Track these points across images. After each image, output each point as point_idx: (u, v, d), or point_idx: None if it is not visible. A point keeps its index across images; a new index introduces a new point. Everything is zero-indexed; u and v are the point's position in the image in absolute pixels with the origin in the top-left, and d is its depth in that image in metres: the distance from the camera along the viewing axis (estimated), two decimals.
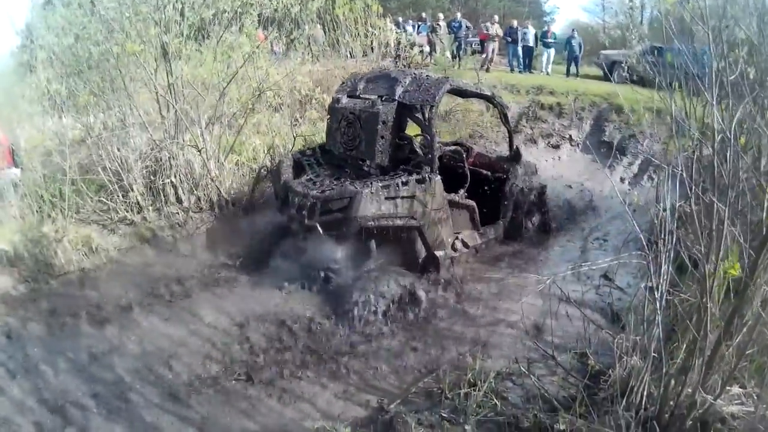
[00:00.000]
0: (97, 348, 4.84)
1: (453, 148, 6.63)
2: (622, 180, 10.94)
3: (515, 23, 17.97)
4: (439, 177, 5.76)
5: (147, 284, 5.89)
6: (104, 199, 6.97)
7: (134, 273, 6.17)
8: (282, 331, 5.10)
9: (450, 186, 6.11)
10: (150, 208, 7.14)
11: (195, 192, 7.40)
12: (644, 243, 3.53)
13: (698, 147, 4.89)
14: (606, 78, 16.75)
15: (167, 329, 5.15)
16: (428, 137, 5.79)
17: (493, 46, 17.39)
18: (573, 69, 17.75)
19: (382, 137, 5.75)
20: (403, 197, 5.44)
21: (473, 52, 17.17)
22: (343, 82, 6.88)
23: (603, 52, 18.17)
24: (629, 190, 10.32)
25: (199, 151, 7.17)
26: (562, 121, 12.94)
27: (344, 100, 6.36)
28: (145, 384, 4.39)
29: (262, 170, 7.71)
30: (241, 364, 4.63)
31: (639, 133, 11.79)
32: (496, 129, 12.63)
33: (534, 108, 13.23)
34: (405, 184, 5.46)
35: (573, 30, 18.65)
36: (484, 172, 7.07)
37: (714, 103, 3.11)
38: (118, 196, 6.99)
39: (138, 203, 7.07)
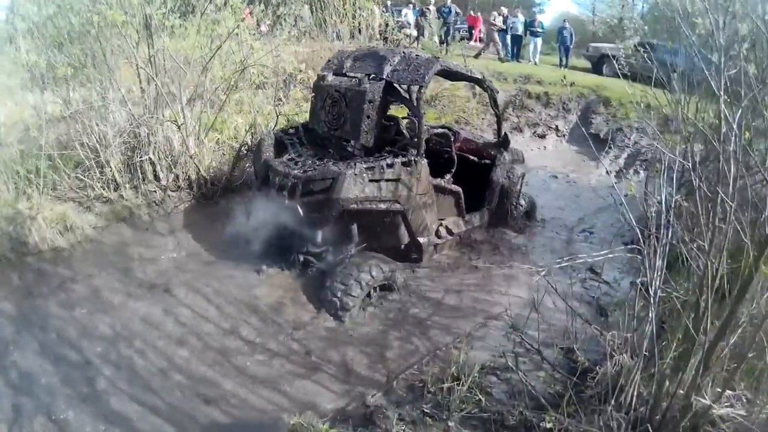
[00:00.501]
0: (70, 330, 4.60)
1: (440, 131, 6.38)
2: (608, 172, 10.86)
3: (505, 11, 17.82)
4: (425, 160, 5.55)
5: (122, 264, 5.64)
6: (81, 176, 6.66)
7: (109, 252, 5.90)
8: (258, 316, 4.90)
9: (436, 170, 5.90)
10: (127, 185, 6.82)
11: (173, 170, 7.10)
12: (639, 237, 3.38)
13: (692, 141, 4.79)
14: (595, 70, 16.74)
15: (140, 311, 4.89)
16: (416, 119, 5.57)
17: (495, 35, 17.27)
18: (563, 60, 17.64)
19: (368, 117, 5.49)
20: (387, 180, 5.20)
21: (461, 38, 17.02)
22: (330, 60, 6.61)
23: (592, 44, 18.16)
24: (616, 182, 10.23)
25: (179, 127, 6.88)
26: (549, 111, 12.88)
27: (330, 77, 6.10)
28: (115, 369, 4.17)
29: (243, 148, 7.41)
30: (215, 350, 4.42)
31: (627, 126, 11.73)
32: (481, 116, 12.53)
33: (521, 97, 13.13)
34: (390, 166, 5.21)
35: (564, 20, 18.54)
36: (471, 157, 6.87)
37: (721, 94, 2.95)
38: (95, 172, 6.68)
39: (115, 180, 6.76)
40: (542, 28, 17.93)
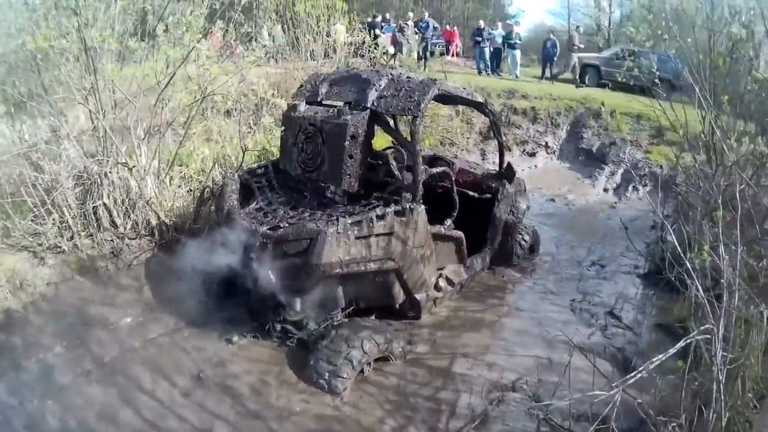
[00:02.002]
0: (15, 423, 3.78)
1: (441, 170, 5.27)
2: (605, 190, 10.23)
3: (482, 24, 17.33)
4: (422, 207, 4.66)
5: (77, 332, 4.80)
6: (33, 222, 5.84)
7: (64, 315, 5.05)
8: (235, 402, 4.03)
9: (430, 207, 4.95)
10: (82, 233, 6.00)
11: (131, 215, 6.23)
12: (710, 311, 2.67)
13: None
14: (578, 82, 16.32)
15: (96, 396, 4.04)
16: (411, 156, 4.71)
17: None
18: (547, 71, 17.11)
19: (351, 156, 4.62)
20: (378, 235, 4.34)
21: (441, 54, 16.49)
22: (302, 85, 5.76)
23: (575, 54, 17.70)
24: (616, 202, 9.62)
25: (130, 169, 6.00)
26: (537, 127, 12.29)
27: (302, 107, 5.24)
28: None
29: (206, 190, 6.47)
30: None
31: (620, 139, 11.12)
32: (466, 135, 11.93)
33: (507, 112, 12.50)
34: (381, 218, 4.33)
35: (549, 32, 18.09)
36: (470, 193, 6.06)
37: None
38: (46, 219, 5.84)
39: (69, 228, 5.94)
40: (520, 39, 17.45)
